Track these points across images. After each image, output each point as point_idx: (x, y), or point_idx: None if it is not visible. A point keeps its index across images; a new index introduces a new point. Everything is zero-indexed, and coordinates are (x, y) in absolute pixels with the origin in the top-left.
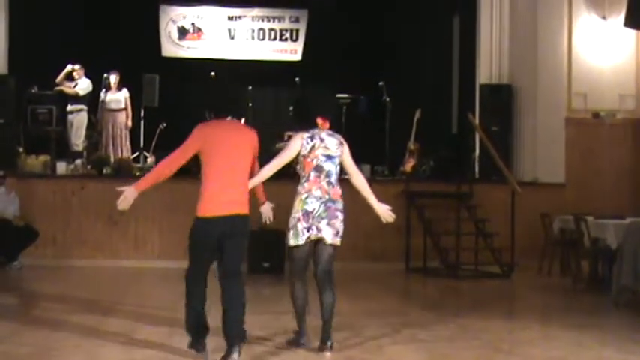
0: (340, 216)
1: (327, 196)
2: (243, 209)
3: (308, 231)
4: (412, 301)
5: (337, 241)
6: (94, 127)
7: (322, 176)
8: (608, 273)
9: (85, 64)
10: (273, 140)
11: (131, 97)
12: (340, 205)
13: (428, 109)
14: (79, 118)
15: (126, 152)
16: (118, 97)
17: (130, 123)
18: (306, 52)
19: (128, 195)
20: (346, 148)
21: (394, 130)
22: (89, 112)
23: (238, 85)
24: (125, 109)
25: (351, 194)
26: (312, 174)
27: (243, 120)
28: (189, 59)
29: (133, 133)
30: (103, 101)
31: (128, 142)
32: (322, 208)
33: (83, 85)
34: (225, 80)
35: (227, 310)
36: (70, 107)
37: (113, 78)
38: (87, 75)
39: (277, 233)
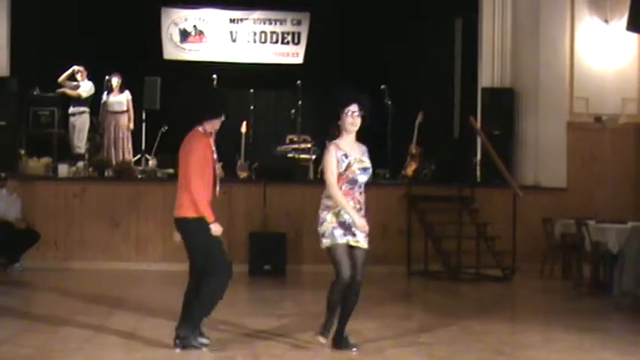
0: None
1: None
2: (180, 212)
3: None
4: (413, 304)
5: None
6: (95, 130)
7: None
8: (609, 277)
9: (87, 66)
10: (275, 143)
11: (133, 99)
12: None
13: (430, 113)
14: (81, 121)
15: (127, 154)
16: (120, 100)
17: (132, 125)
18: (308, 55)
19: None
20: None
21: (396, 134)
22: (91, 115)
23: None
24: (127, 111)
25: None
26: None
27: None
28: (191, 62)
29: (135, 135)
30: (105, 103)
31: (130, 145)
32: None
33: (86, 88)
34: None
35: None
36: (72, 109)
37: (115, 80)
38: (89, 77)
39: (278, 236)
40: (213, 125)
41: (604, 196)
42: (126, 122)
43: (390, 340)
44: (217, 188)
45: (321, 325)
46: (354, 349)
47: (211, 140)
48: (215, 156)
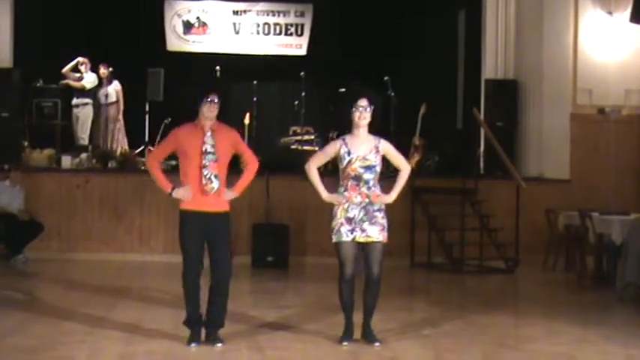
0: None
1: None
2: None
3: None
4: (417, 297)
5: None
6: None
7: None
8: (612, 269)
9: (90, 57)
10: (278, 135)
11: (134, 90)
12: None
13: (433, 105)
14: (84, 112)
15: (120, 146)
16: (107, 91)
17: (120, 117)
18: (311, 47)
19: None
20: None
21: (399, 126)
22: (94, 106)
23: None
24: (117, 102)
25: None
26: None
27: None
28: (194, 53)
29: (138, 127)
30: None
31: (122, 136)
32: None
33: (90, 79)
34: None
35: None
36: (75, 101)
37: (102, 71)
38: (92, 69)
39: (282, 227)
40: (202, 112)
41: (607, 188)
42: (114, 114)
43: (394, 332)
44: (206, 183)
45: (343, 332)
46: (377, 343)
47: (202, 132)
48: (206, 148)
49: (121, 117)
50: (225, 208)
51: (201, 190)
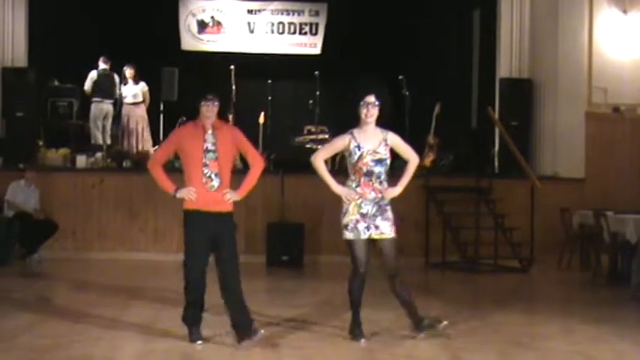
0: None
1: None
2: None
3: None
4: (432, 296)
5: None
6: (113, 120)
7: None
8: (627, 268)
9: (105, 57)
10: (293, 134)
11: (150, 90)
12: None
13: (447, 104)
14: (98, 112)
15: (144, 145)
16: (134, 91)
17: (146, 116)
18: (326, 46)
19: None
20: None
21: (413, 125)
22: (114, 105)
23: None
24: (143, 102)
25: None
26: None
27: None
28: (208, 53)
29: (153, 126)
30: (121, 95)
31: (147, 134)
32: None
33: (87, 82)
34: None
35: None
36: (94, 99)
37: (128, 71)
38: (112, 68)
39: (296, 226)
40: (201, 112)
41: (622, 186)
42: (141, 113)
43: (409, 331)
44: (206, 182)
45: (350, 328)
46: (422, 334)
47: (203, 130)
48: (207, 146)
49: (146, 116)
50: (229, 208)
51: (204, 190)
